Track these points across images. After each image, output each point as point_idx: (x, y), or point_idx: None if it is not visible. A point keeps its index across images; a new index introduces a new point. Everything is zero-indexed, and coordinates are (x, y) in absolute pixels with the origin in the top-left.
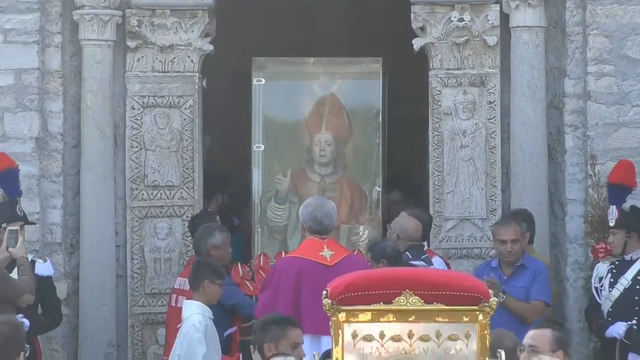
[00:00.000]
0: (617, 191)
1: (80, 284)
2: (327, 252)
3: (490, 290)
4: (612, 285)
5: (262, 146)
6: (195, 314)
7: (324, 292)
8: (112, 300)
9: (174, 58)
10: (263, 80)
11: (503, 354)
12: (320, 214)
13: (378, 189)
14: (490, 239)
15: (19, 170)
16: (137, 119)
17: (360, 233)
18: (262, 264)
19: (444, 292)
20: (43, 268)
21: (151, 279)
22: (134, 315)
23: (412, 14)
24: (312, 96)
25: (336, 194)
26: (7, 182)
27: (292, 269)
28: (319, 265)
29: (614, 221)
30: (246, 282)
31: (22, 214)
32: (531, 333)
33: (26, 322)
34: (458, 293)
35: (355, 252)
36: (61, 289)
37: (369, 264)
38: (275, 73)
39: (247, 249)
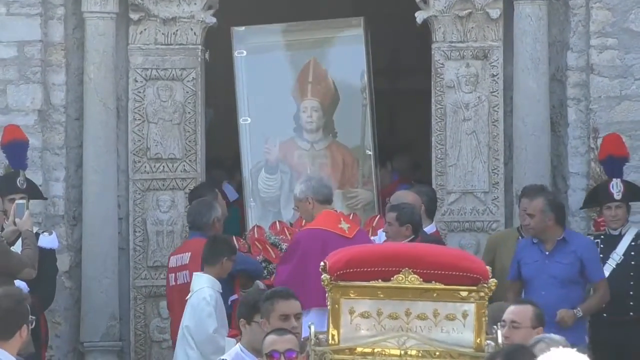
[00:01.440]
0: (612, 164)
1: (83, 257)
2: (344, 225)
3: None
4: (603, 260)
5: (249, 119)
6: (205, 288)
7: (321, 265)
8: (114, 273)
9: (177, 30)
10: (244, 52)
11: (499, 331)
12: (326, 181)
13: (369, 152)
14: (492, 212)
15: (29, 144)
16: (139, 92)
17: (356, 197)
18: (256, 236)
19: (443, 272)
20: (46, 241)
21: (153, 252)
22: (136, 288)
23: None
24: (296, 64)
25: (327, 160)
26: (15, 154)
27: (317, 240)
28: (341, 237)
29: (620, 194)
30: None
31: (24, 187)
32: (512, 308)
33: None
34: (457, 273)
35: (376, 220)
36: (64, 262)
37: (388, 223)
38: (256, 44)
39: (242, 222)
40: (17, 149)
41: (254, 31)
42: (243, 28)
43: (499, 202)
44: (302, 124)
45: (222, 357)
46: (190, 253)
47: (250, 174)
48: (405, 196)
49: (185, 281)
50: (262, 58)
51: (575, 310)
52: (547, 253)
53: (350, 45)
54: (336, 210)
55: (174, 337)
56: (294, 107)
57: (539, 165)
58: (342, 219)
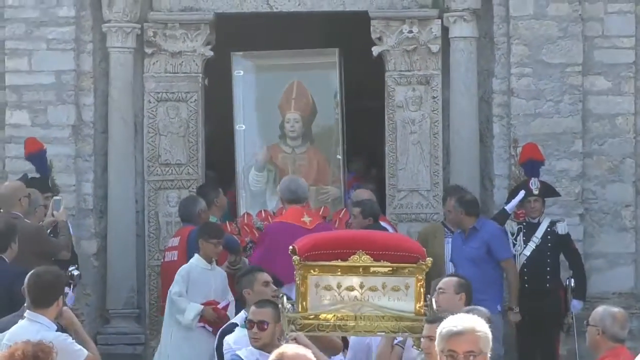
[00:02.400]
0: (531, 167)
1: (108, 242)
2: (306, 218)
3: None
4: (525, 242)
5: (244, 126)
6: (187, 264)
7: (290, 248)
8: (132, 255)
9: (182, 62)
10: (242, 72)
11: (434, 300)
12: (293, 186)
13: (339, 157)
14: (433, 206)
15: (46, 151)
16: (152, 111)
17: (327, 193)
18: (245, 221)
19: (389, 252)
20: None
21: (164, 238)
22: (150, 266)
23: (371, 27)
24: (282, 83)
25: (305, 162)
26: (38, 161)
27: (280, 232)
28: (301, 228)
29: (537, 190)
30: (233, 236)
31: (51, 186)
32: (441, 279)
33: (76, 272)
34: (400, 253)
35: (342, 213)
36: (92, 246)
37: (353, 216)
38: (252, 66)
39: (233, 210)
40: (39, 157)
41: (249, 56)
42: (241, 53)
43: (438, 198)
44: (286, 132)
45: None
46: (179, 237)
47: (242, 171)
48: (363, 194)
49: (173, 259)
50: (256, 77)
51: (514, 311)
52: (464, 240)
53: (327, 70)
54: (303, 206)
55: (163, 302)
56: (280, 118)
57: (470, 169)
58: (305, 214)
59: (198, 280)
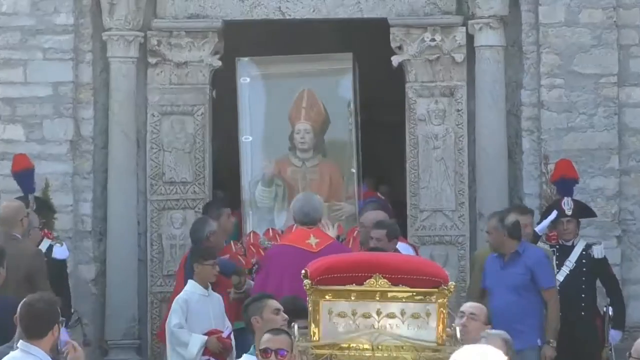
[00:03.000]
0: (563, 185)
1: (107, 267)
2: (313, 240)
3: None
4: (558, 267)
5: (250, 137)
6: (183, 291)
7: (303, 272)
8: (134, 281)
9: (188, 72)
10: (248, 79)
11: (457, 328)
12: (307, 208)
13: (353, 170)
14: (459, 227)
15: (34, 170)
16: (156, 125)
17: (341, 209)
18: (252, 240)
19: (408, 276)
20: (59, 252)
21: (168, 262)
22: (153, 293)
23: (391, 35)
24: (292, 91)
25: (316, 176)
26: (24, 180)
27: (281, 255)
28: (305, 252)
29: (571, 211)
30: (239, 257)
31: (34, 208)
32: (471, 304)
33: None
34: (421, 277)
35: (357, 232)
36: (90, 271)
37: (379, 239)
38: (258, 73)
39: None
40: (26, 176)
41: (256, 62)
42: (247, 59)
43: (464, 219)
44: (296, 144)
45: None
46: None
47: (249, 186)
48: (377, 216)
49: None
50: (263, 85)
51: (550, 344)
52: (503, 265)
53: (341, 77)
54: (311, 228)
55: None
56: (289, 128)
57: (498, 187)
58: (312, 235)
59: (197, 308)
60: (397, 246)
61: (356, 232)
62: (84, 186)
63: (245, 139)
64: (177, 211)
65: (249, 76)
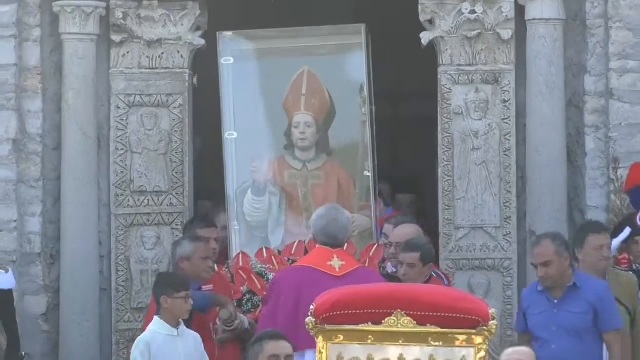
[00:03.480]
0: (637, 196)
1: (61, 298)
2: (336, 262)
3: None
4: None
5: (235, 133)
6: (145, 332)
7: (311, 308)
8: (95, 316)
9: (163, 53)
10: (232, 60)
11: None
12: (334, 229)
13: (367, 174)
14: (504, 248)
15: None
16: (122, 119)
17: (352, 223)
18: (241, 264)
19: (439, 314)
20: (2, 281)
21: (137, 293)
22: (119, 331)
23: (419, 6)
24: (288, 73)
25: (321, 182)
26: None
27: (294, 279)
28: (326, 275)
29: None
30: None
31: None
32: (516, 349)
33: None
34: (455, 315)
35: (373, 250)
36: (40, 304)
37: (411, 264)
38: (245, 50)
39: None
40: None
41: (242, 36)
42: (230, 33)
43: (511, 238)
44: (294, 141)
45: None
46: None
47: (235, 195)
48: (407, 230)
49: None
50: (251, 66)
51: None
52: (555, 301)
53: (349, 54)
54: (335, 247)
55: None
56: (285, 121)
57: (554, 199)
58: (335, 256)
59: (163, 353)
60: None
61: (372, 251)
62: (31, 197)
63: (229, 135)
64: (149, 228)
65: (233, 55)
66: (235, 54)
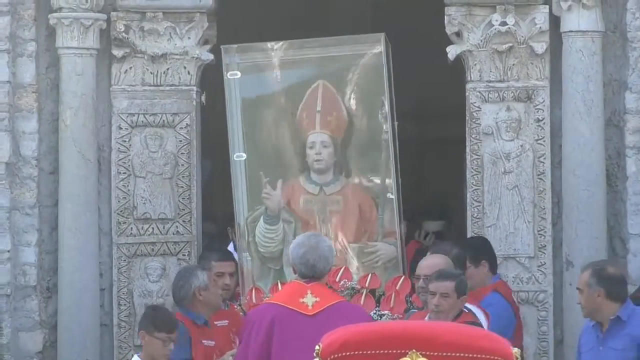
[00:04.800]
0: None
1: (59, 335)
2: (309, 299)
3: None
4: None
5: (244, 155)
6: None
7: (316, 348)
8: (96, 354)
9: (168, 69)
10: (238, 74)
11: None
12: (313, 257)
13: (391, 196)
14: (539, 280)
15: None
16: (124, 141)
17: (376, 252)
18: (254, 300)
19: (457, 353)
20: None
21: None
22: None
23: (445, 17)
24: (301, 88)
25: (340, 207)
26: None
27: (266, 317)
28: (296, 314)
29: None
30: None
31: None
32: None
33: None
34: (474, 355)
35: (400, 282)
36: (36, 341)
37: (445, 294)
38: (252, 63)
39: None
40: None
41: (248, 50)
42: (235, 46)
43: (546, 269)
44: (309, 163)
45: None
46: None
47: (246, 224)
48: (437, 261)
49: None
50: (260, 80)
51: None
52: (601, 337)
53: (368, 66)
54: (309, 282)
55: None
56: (300, 141)
57: (593, 226)
58: (309, 292)
59: None
60: (486, 297)
61: (399, 284)
62: (26, 225)
63: (238, 157)
64: (154, 259)
65: (240, 69)
66: (243, 67)
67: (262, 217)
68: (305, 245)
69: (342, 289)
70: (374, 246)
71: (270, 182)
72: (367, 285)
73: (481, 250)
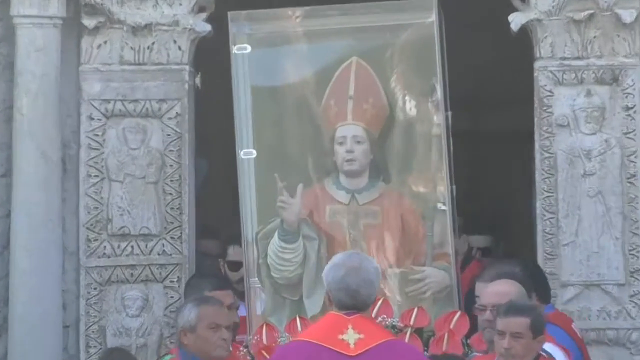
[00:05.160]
0: None
1: None
2: (351, 335)
3: None
4: None
5: (254, 152)
6: None
7: None
8: None
9: (153, 44)
10: (248, 48)
11: None
12: (355, 281)
13: (442, 207)
14: (631, 314)
15: None
16: (96, 135)
17: (423, 279)
18: (265, 340)
19: None
20: None
21: None
22: None
23: None
24: (330, 67)
25: (376, 221)
26: None
27: (299, 358)
28: (334, 354)
29: None
30: None
31: None
32: None
33: None
34: None
35: (455, 320)
36: None
37: (517, 334)
38: (267, 35)
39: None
40: None
41: (262, 16)
42: (245, 12)
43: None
44: (338, 164)
45: None
46: None
47: (255, 241)
48: (508, 290)
49: None
50: (276, 57)
51: None
52: None
53: (416, 41)
54: (351, 314)
55: None
56: (325, 135)
57: None
58: (350, 326)
59: None
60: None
61: (454, 321)
62: None
63: (246, 154)
64: (134, 286)
65: (250, 42)
66: (254, 40)
67: (276, 233)
68: (345, 266)
69: None
70: (421, 272)
71: (287, 188)
72: (412, 322)
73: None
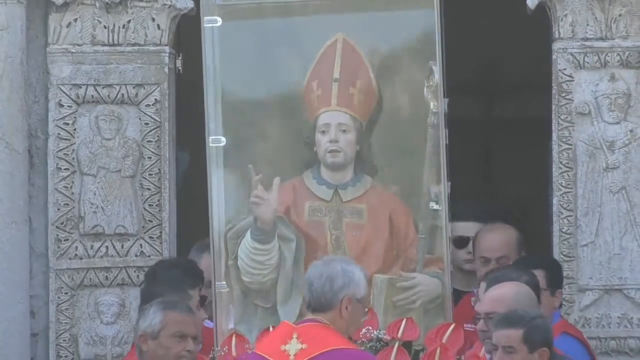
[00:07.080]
0: None
1: None
2: (293, 346)
3: None
4: None
5: (223, 139)
6: None
7: None
8: None
9: (129, 22)
10: (219, 21)
11: None
12: (313, 272)
13: (435, 207)
14: None
15: None
16: (66, 124)
17: (413, 287)
18: (234, 352)
19: None
20: None
21: None
22: None
23: None
24: (312, 44)
25: (362, 220)
26: None
27: None
28: None
29: None
30: None
31: None
32: None
33: None
34: None
35: (448, 333)
36: None
37: (509, 348)
38: (242, 5)
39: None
40: None
41: None
42: None
43: None
44: (320, 155)
45: None
46: None
47: (224, 239)
48: (505, 294)
49: None
50: (250, 31)
51: None
52: None
53: (411, 14)
54: (299, 323)
55: None
56: (305, 122)
57: None
58: (295, 336)
59: None
60: (556, 341)
61: (447, 335)
62: None
63: (215, 142)
64: (109, 290)
65: (220, 14)
66: (226, 12)
67: (248, 232)
68: (317, 264)
69: (364, 340)
70: (410, 279)
71: (262, 181)
72: (399, 335)
73: (559, 274)
